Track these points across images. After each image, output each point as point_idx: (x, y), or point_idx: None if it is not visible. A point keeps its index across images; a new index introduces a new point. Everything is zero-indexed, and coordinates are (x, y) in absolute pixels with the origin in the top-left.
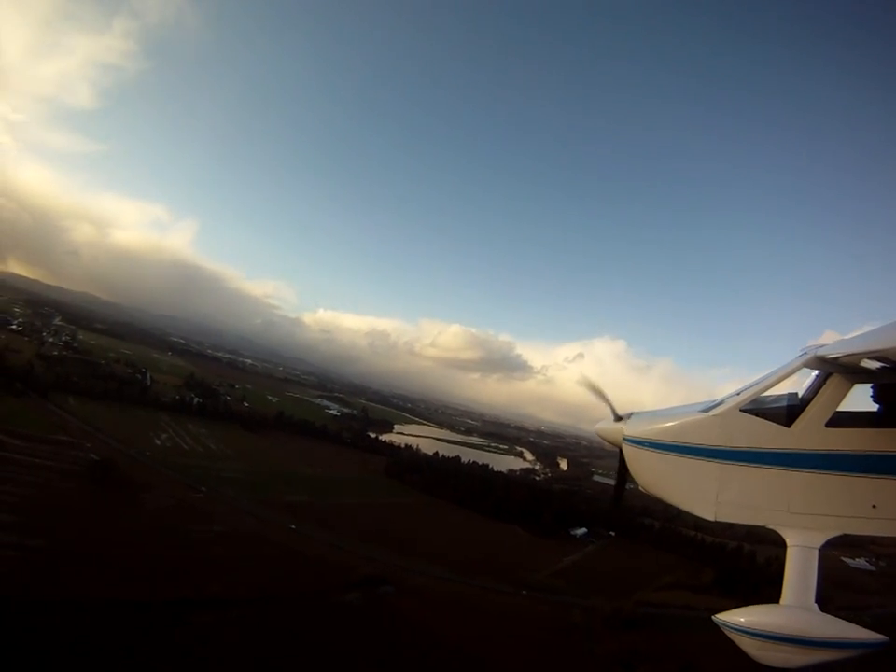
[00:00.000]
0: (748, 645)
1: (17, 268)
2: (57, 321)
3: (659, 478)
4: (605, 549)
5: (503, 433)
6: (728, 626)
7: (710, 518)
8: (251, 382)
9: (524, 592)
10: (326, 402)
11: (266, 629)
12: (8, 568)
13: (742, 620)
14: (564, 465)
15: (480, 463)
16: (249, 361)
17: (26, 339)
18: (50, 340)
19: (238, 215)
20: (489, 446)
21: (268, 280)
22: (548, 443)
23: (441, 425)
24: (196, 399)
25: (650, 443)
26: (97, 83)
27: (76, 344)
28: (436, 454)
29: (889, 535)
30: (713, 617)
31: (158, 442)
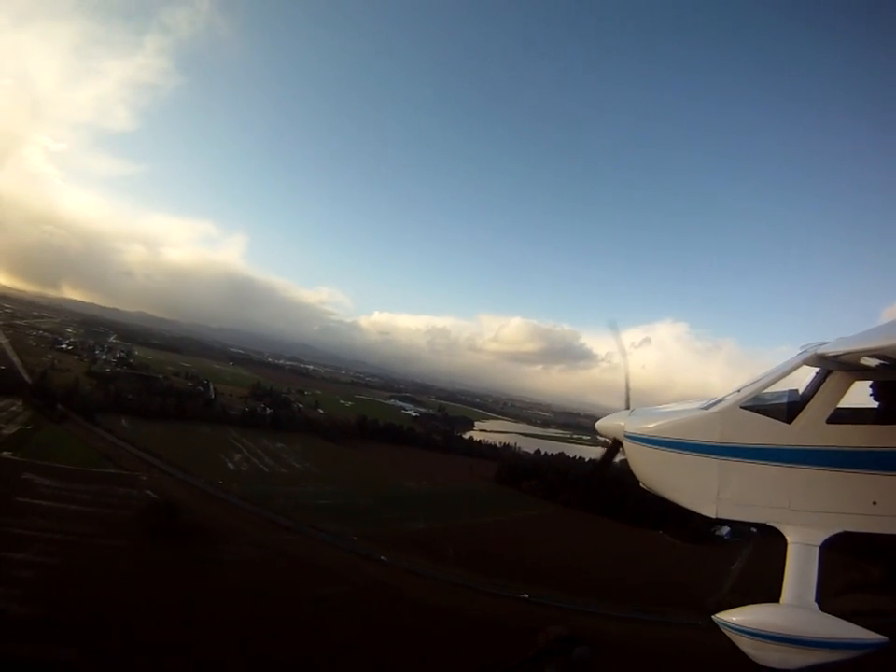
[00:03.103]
0: (746, 645)
1: (72, 293)
2: (112, 339)
3: (660, 474)
4: (758, 550)
5: (577, 423)
6: (726, 626)
7: (711, 515)
8: (318, 387)
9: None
10: (399, 403)
11: None
12: None
13: (741, 619)
14: None
15: (587, 459)
16: (311, 367)
17: (76, 357)
18: (103, 357)
19: (286, 226)
20: (571, 438)
21: (322, 288)
22: None
23: (516, 418)
24: (268, 410)
25: (650, 440)
26: (134, 104)
27: (131, 360)
28: (538, 451)
29: (890, 532)
30: (713, 616)
31: (231, 466)
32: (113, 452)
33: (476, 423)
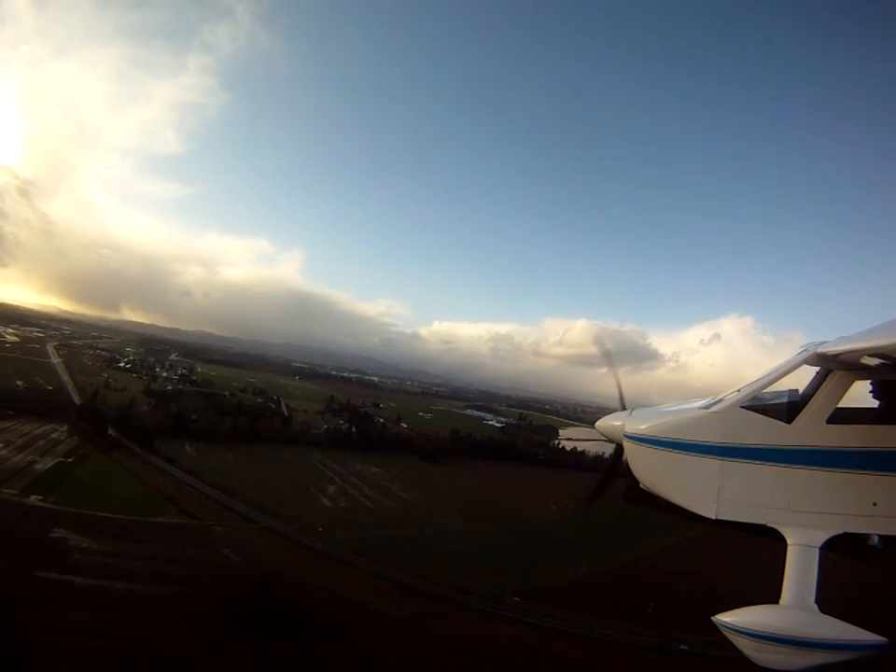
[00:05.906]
0: (746, 646)
1: (131, 315)
2: (173, 356)
3: (659, 475)
4: None
5: None
6: (726, 627)
7: (711, 516)
8: (389, 399)
9: None
10: (478, 413)
11: None
12: None
13: (740, 620)
14: None
15: None
16: (376, 378)
17: (134, 375)
18: (164, 374)
19: (342, 240)
20: None
21: (380, 300)
22: None
23: (593, 424)
24: (353, 428)
25: (650, 440)
26: (181, 126)
27: (193, 377)
28: None
29: (890, 533)
30: (713, 618)
31: (326, 502)
32: (175, 490)
33: (560, 431)
